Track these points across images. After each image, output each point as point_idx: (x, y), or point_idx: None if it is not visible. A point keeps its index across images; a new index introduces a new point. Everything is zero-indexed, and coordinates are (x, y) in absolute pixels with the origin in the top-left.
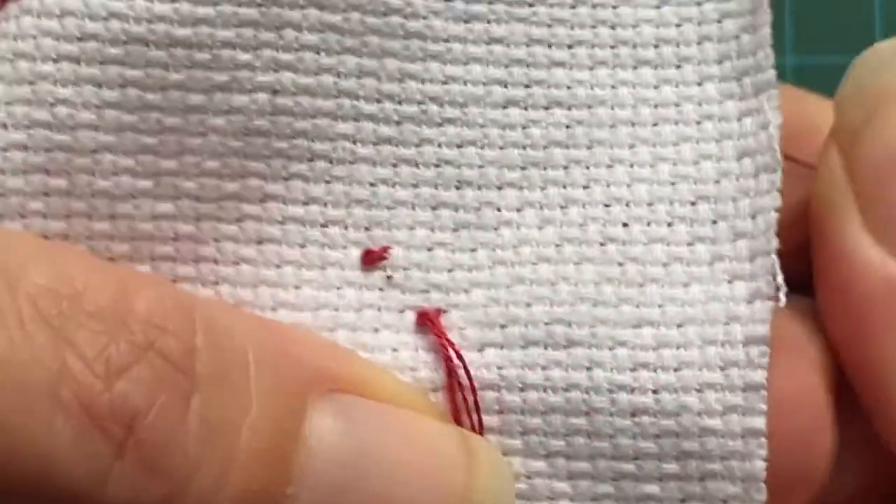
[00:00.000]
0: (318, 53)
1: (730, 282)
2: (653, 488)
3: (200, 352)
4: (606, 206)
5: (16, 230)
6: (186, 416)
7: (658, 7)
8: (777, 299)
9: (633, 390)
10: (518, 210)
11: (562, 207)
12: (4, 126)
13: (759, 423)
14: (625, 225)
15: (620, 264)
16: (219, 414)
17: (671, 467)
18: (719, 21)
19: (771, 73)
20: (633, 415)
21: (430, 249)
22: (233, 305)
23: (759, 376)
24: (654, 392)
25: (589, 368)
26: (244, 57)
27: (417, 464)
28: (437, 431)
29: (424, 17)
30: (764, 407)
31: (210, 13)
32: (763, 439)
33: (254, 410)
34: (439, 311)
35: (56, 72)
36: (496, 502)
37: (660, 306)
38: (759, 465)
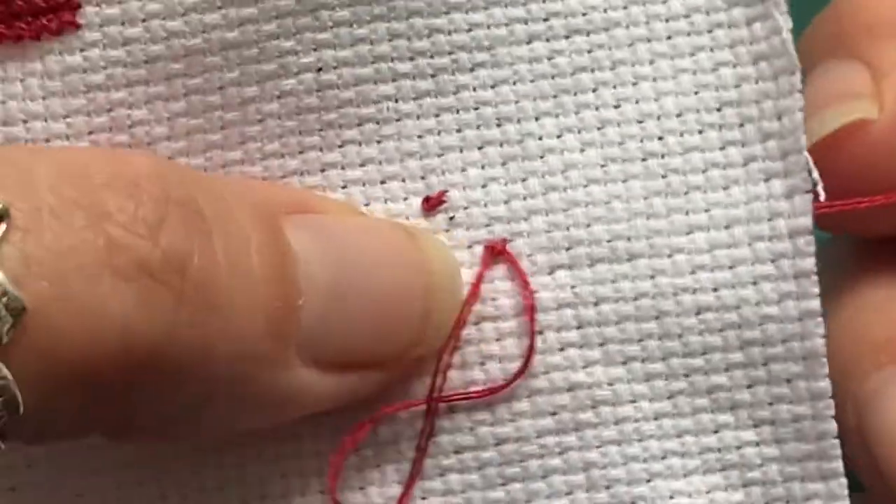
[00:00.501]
0: (351, 27)
1: (766, 180)
2: (721, 379)
3: (199, 195)
4: (639, 122)
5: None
6: (216, 253)
7: None
8: (816, 193)
9: (695, 291)
10: (558, 136)
11: (598, 129)
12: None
13: (815, 304)
14: (660, 138)
15: (663, 176)
16: (232, 245)
17: (736, 356)
18: None
19: None
20: (698, 313)
21: (484, 186)
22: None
23: (809, 263)
24: (714, 290)
25: (653, 276)
26: (287, 44)
27: (383, 249)
28: (388, 226)
29: None
30: (816, 290)
31: (254, 12)
32: (820, 319)
33: (253, 237)
34: (505, 241)
35: (129, 97)
36: (442, 262)
37: (706, 211)
38: (819, 343)
